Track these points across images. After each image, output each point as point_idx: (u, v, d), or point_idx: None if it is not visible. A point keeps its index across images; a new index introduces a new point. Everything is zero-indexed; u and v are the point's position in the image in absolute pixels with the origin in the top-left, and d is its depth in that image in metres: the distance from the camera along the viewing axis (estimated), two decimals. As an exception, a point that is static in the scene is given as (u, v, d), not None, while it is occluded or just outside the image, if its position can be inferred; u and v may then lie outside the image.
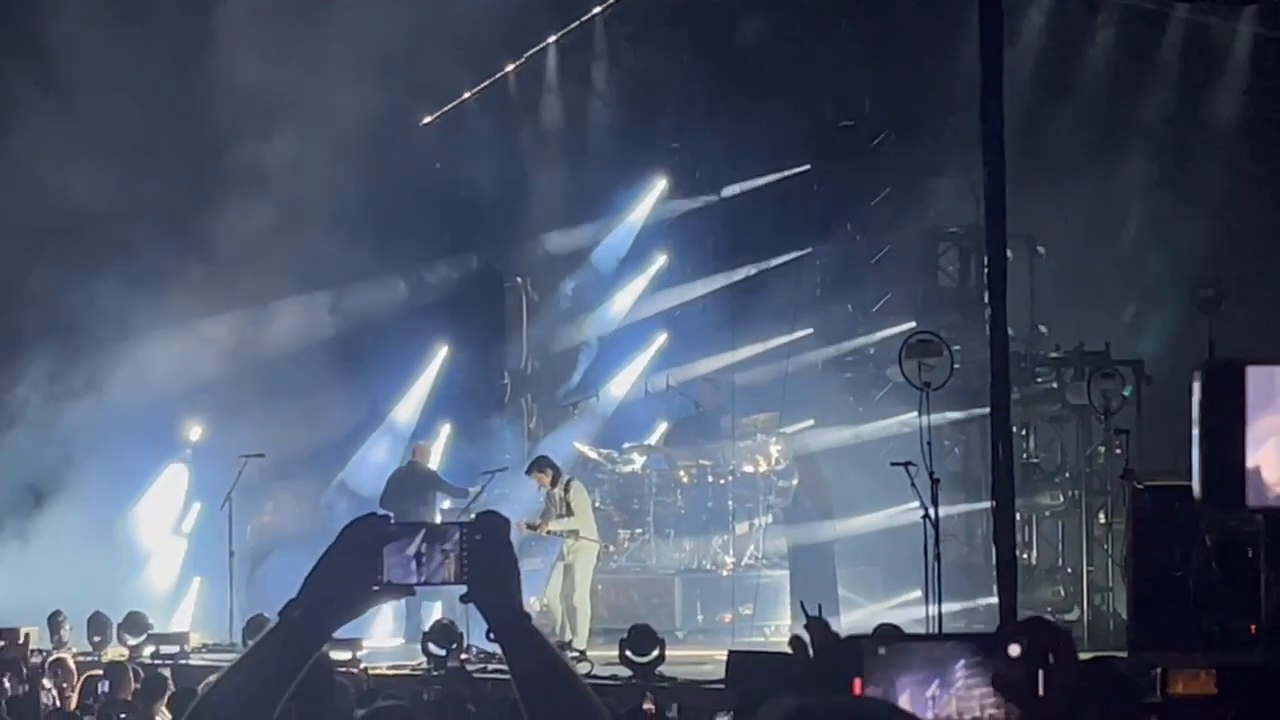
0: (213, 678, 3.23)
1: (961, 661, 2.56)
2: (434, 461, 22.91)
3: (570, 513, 18.11)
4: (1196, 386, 2.70)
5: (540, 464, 18.73)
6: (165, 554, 23.69)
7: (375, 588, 3.16)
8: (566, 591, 18.10)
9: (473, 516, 3.26)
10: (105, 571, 21.42)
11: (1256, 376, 2.73)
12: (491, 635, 3.15)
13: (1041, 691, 2.56)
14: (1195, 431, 2.70)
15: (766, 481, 21.64)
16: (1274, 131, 21.71)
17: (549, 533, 18.13)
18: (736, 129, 23.25)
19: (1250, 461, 2.84)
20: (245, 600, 19.67)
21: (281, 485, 23.49)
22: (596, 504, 21.76)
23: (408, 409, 24.91)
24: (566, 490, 18.26)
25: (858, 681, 2.56)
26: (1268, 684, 11.47)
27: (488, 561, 3.16)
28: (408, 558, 3.16)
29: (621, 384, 24.98)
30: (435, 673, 15.12)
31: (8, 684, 14.91)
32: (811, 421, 22.13)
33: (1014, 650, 2.57)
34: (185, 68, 21.43)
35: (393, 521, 3.20)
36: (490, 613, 3.15)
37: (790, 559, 20.19)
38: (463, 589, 3.18)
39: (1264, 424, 2.79)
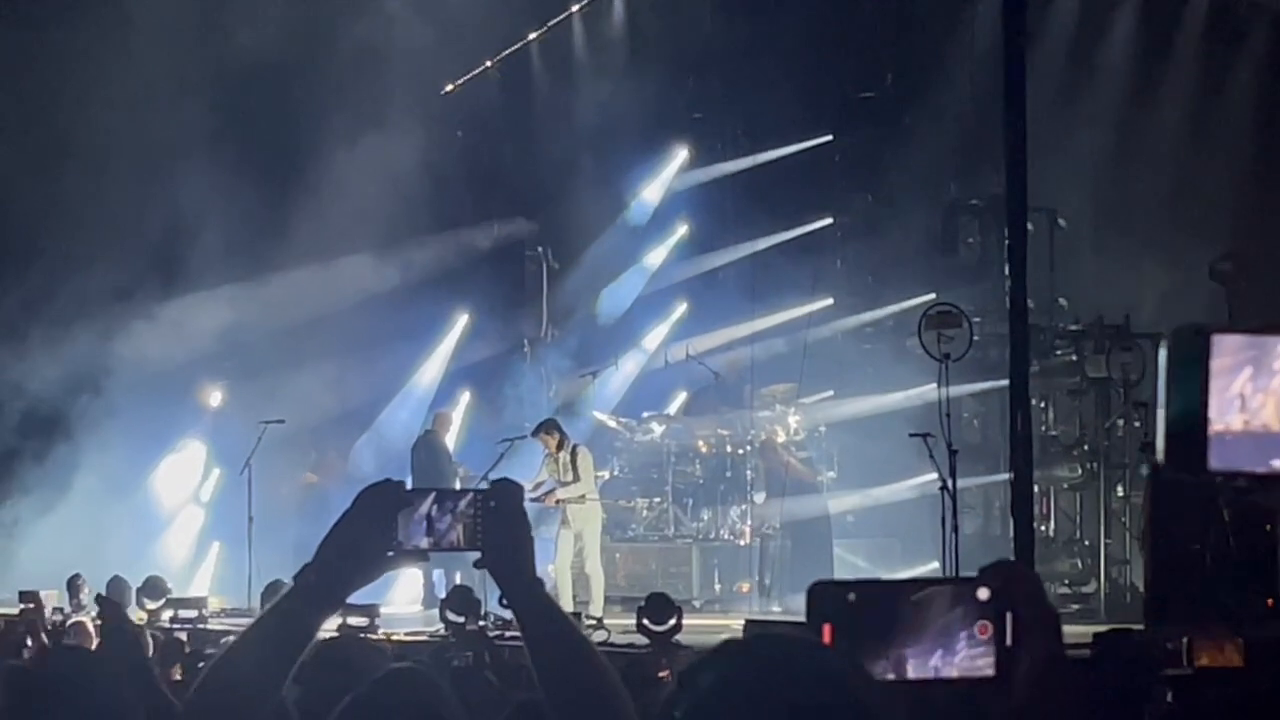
0: (231, 638, 3.25)
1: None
2: (454, 428, 22.95)
3: (577, 477, 17.99)
4: (1163, 352, 2.72)
5: (548, 426, 18.55)
6: (185, 519, 23.79)
7: (390, 553, 3.17)
8: (579, 560, 18.00)
9: (488, 483, 3.28)
10: (125, 536, 21.51)
11: (1219, 345, 2.73)
12: (504, 602, 3.17)
13: (1010, 636, 2.57)
14: (1161, 395, 2.71)
15: (785, 451, 21.66)
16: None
17: (559, 502, 18.02)
18: (758, 99, 23.24)
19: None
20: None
21: (320, 446, 23.60)
22: (615, 472, 21.83)
23: (428, 376, 24.96)
24: (573, 455, 18.11)
25: (826, 628, 2.56)
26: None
27: (502, 528, 3.18)
28: (419, 520, 3.18)
29: (641, 353, 25.00)
30: (453, 639, 15.14)
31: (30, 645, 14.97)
32: (831, 392, 22.14)
33: (983, 594, 2.58)
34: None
35: (408, 487, 3.22)
36: (503, 580, 3.16)
37: (787, 535, 20.32)
38: (477, 555, 3.20)
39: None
